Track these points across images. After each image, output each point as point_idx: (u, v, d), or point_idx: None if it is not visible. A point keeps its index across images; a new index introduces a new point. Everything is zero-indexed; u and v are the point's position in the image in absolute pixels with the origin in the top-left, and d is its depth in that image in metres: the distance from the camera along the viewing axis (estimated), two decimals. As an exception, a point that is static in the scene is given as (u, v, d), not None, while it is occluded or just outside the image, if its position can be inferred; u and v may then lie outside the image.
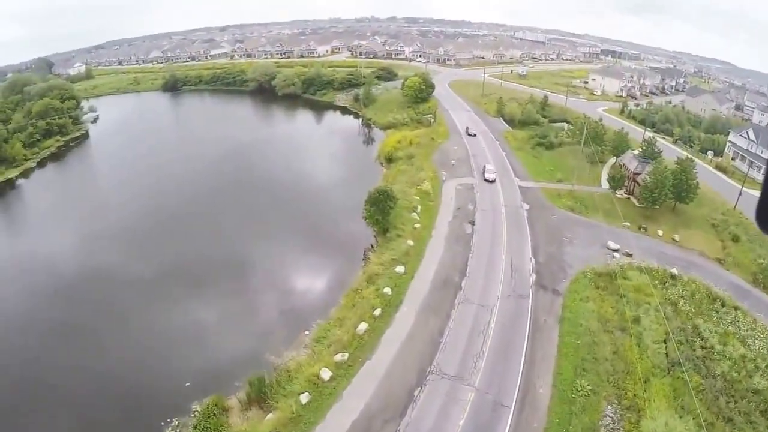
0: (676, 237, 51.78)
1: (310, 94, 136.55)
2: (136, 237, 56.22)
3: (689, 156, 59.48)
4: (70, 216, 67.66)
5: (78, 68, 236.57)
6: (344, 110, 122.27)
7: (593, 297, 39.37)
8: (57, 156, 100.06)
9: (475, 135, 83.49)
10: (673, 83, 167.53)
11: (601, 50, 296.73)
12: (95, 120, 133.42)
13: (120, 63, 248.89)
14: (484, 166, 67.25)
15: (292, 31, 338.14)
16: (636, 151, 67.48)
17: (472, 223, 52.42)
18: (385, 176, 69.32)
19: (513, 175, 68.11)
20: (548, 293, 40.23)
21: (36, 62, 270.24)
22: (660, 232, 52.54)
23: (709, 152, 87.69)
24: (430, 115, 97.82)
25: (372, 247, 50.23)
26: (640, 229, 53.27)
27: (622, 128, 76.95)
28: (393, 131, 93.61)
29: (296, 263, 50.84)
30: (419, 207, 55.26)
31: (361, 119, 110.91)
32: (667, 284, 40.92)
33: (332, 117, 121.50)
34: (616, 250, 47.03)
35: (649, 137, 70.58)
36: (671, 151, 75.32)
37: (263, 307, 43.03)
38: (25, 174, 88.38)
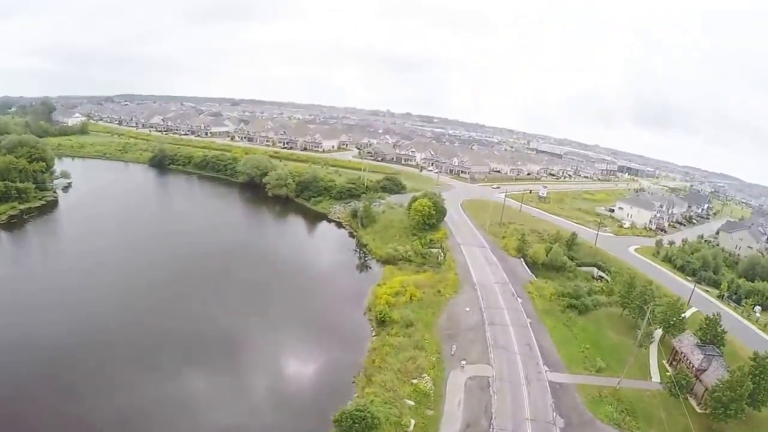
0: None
1: (303, 198, 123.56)
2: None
3: None
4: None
5: (76, 119, 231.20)
6: (339, 225, 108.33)
7: None
8: (8, 227, 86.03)
9: None
10: (699, 210, 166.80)
11: (618, 167, 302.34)
12: (67, 187, 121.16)
13: (120, 122, 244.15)
14: None
15: (303, 116, 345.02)
16: (690, 312, 55.27)
17: (488, 468, 37.51)
18: (371, 351, 53.71)
19: (541, 361, 51.93)
20: None
21: (40, 102, 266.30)
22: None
23: (757, 308, 73.55)
24: (439, 250, 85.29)
25: None
26: (711, 462, 39.18)
27: (679, 299, 61.55)
28: (392, 268, 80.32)
29: None
30: (412, 424, 40.72)
31: (356, 241, 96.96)
32: None
33: (323, 234, 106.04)
34: None
35: (714, 315, 55.46)
36: (718, 310, 61.82)
37: None
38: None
